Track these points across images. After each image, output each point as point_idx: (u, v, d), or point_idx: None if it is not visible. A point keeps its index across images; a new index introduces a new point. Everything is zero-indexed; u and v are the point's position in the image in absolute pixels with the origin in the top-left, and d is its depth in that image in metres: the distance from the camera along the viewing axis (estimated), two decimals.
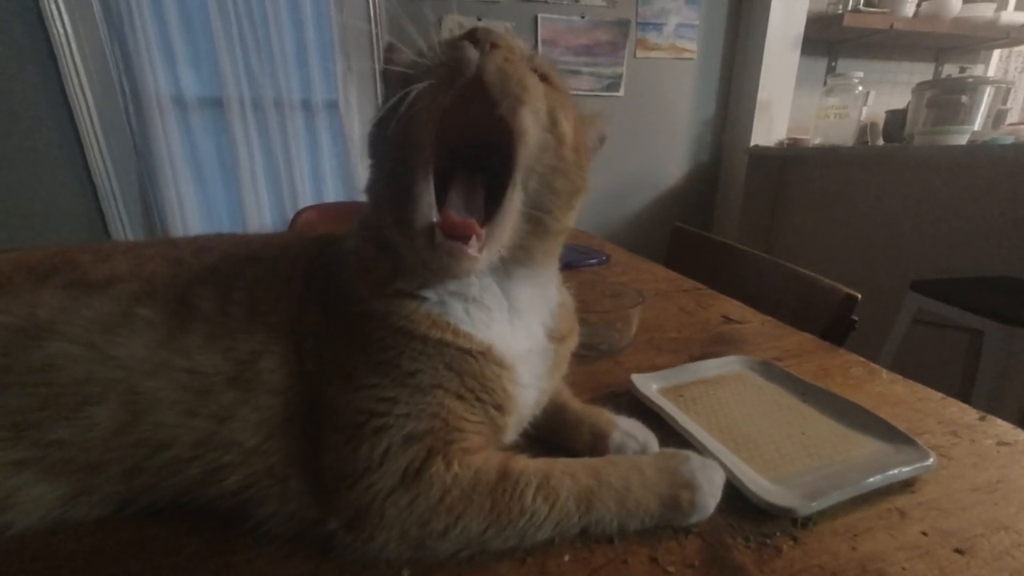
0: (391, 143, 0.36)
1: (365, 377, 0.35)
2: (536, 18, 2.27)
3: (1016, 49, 2.96)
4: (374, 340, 0.36)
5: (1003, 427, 0.49)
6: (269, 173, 2.14)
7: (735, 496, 0.38)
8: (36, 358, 0.34)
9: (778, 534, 0.35)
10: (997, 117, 2.10)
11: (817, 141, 2.45)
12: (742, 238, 2.62)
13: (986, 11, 2.51)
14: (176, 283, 0.39)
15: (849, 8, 2.41)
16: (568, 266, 0.42)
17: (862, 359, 0.64)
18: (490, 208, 0.36)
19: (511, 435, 0.42)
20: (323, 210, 1.93)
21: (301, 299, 0.39)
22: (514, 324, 0.41)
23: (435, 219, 0.33)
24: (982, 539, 0.35)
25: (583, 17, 2.33)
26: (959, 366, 1.64)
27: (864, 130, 2.48)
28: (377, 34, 2.11)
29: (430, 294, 0.38)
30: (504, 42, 0.34)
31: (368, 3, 2.07)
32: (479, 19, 2.20)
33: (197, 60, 1.98)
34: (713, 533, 0.36)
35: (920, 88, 2.08)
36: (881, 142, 2.45)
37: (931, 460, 0.41)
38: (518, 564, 0.33)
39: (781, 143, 2.52)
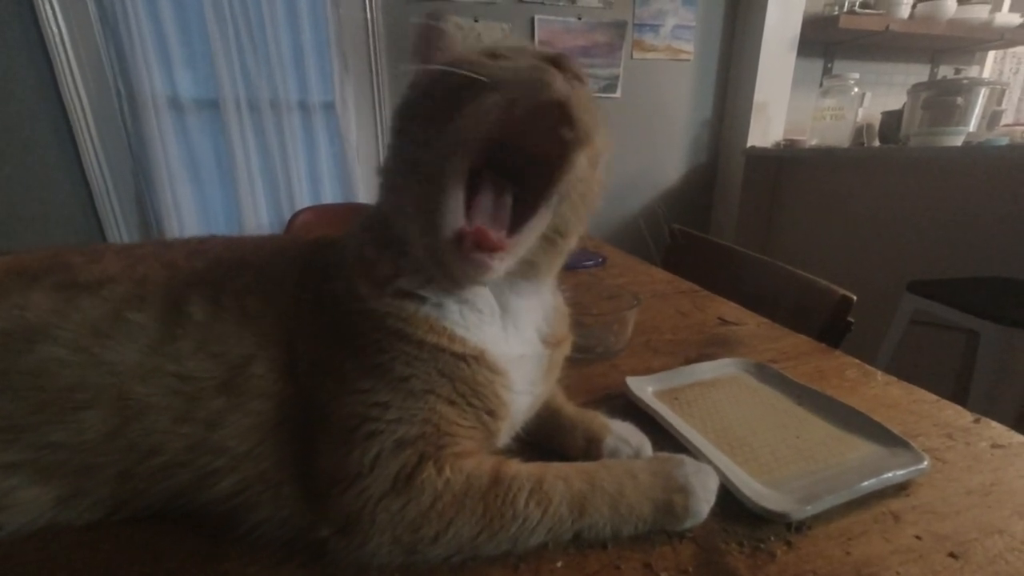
0: (433, 139, 0.35)
1: (358, 381, 0.35)
2: (533, 19, 2.27)
3: (1011, 50, 2.98)
4: (369, 343, 0.36)
5: (997, 429, 0.49)
6: (266, 175, 2.14)
7: (729, 500, 0.38)
8: (28, 362, 0.34)
9: (772, 539, 0.35)
10: (992, 118, 2.11)
11: (813, 142, 2.46)
12: (739, 239, 2.62)
13: (981, 13, 2.52)
14: (168, 287, 0.39)
15: (845, 10, 2.42)
16: (564, 268, 0.42)
17: (857, 361, 0.64)
18: (513, 218, 0.36)
19: (503, 440, 0.42)
20: (320, 211, 1.93)
21: (293, 303, 0.39)
22: (508, 329, 0.41)
23: (466, 227, 0.33)
24: (976, 543, 0.35)
25: (580, 19, 2.33)
26: (955, 367, 1.65)
27: (860, 131, 2.49)
28: (374, 35, 2.11)
29: (428, 294, 0.38)
30: (584, 76, 0.34)
31: (365, 3, 2.06)
32: (476, 20, 2.20)
33: (193, 61, 1.98)
34: (707, 538, 0.36)
35: (916, 89, 2.09)
36: (877, 143, 2.46)
37: (925, 463, 0.41)
38: (511, 570, 0.33)
39: (778, 144, 2.53)
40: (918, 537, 0.35)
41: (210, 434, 0.34)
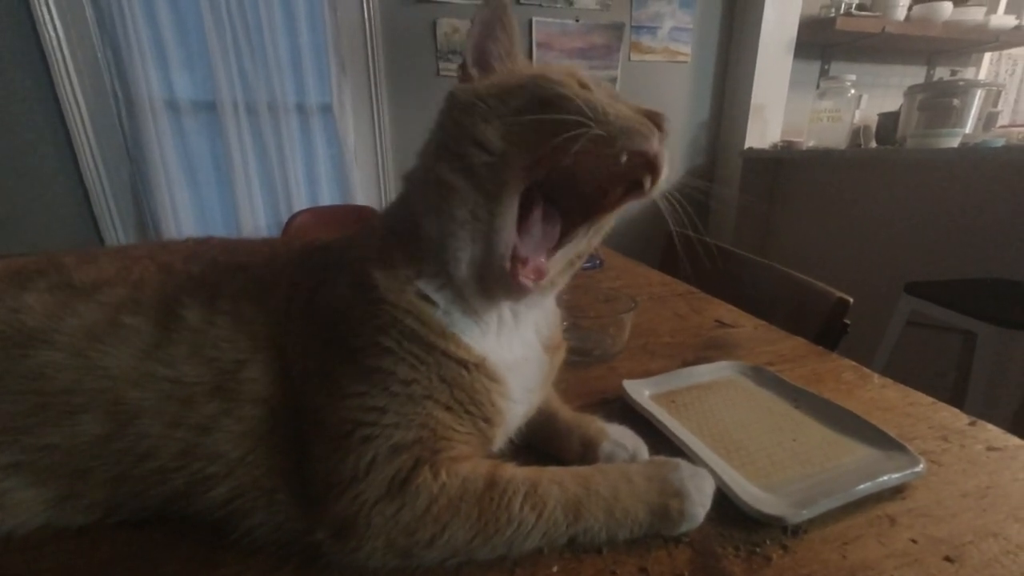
0: (501, 147, 0.36)
1: (352, 385, 0.35)
2: (531, 21, 2.27)
3: (1006, 52, 2.99)
4: (368, 345, 0.36)
5: (993, 432, 0.49)
6: (263, 177, 2.14)
7: (725, 504, 0.38)
8: (26, 366, 0.34)
9: (768, 543, 0.35)
10: (988, 120, 2.12)
11: (811, 144, 2.46)
12: (736, 241, 2.62)
13: (976, 15, 2.54)
14: (163, 291, 0.39)
15: (841, 12, 2.43)
16: None
17: (854, 363, 0.64)
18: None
19: (498, 445, 0.42)
20: (317, 213, 1.93)
21: (286, 307, 0.38)
22: (511, 336, 0.42)
23: (521, 250, 0.36)
24: (971, 546, 0.35)
25: (577, 21, 2.33)
26: (952, 368, 1.65)
27: (857, 133, 2.50)
28: (372, 37, 2.11)
29: (440, 300, 0.38)
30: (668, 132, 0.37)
31: (363, 5, 2.06)
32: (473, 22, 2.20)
33: (190, 64, 1.98)
34: (703, 542, 0.36)
35: (912, 91, 2.10)
36: (874, 145, 2.47)
37: (921, 466, 0.41)
38: (507, 574, 0.33)
39: (775, 146, 2.53)
40: (914, 540, 0.35)
41: (203, 439, 0.34)
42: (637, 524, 0.35)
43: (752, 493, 0.39)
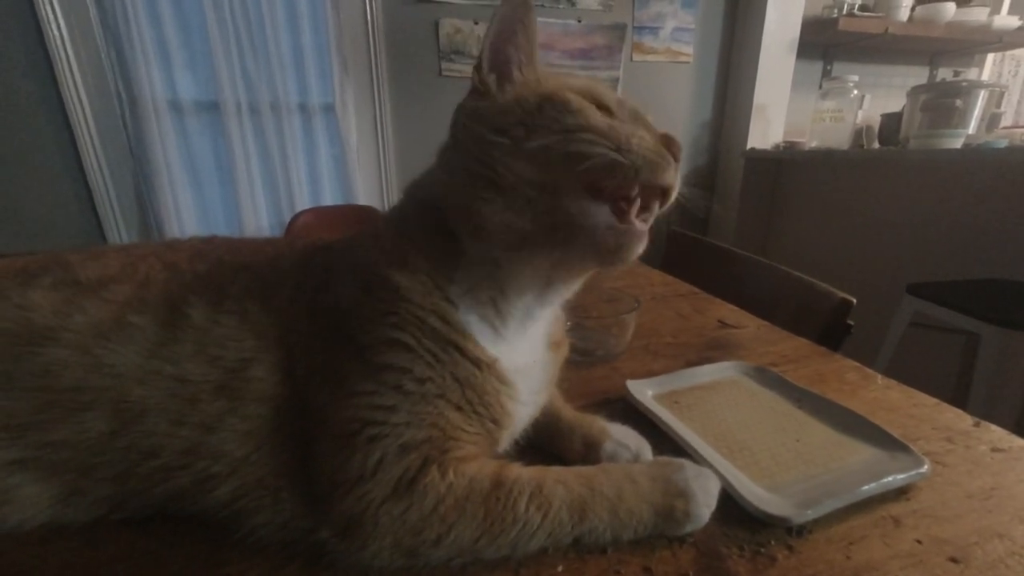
0: (536, 184, 0.35)
1: (359, 384, 0.35)
2: None
3: (1009, 53, 2.98)
4: (384, 341, 0.36)
5: (997, 433, 0.49)
6: (266, 177, 2.14)
7: (730, 504, 0.38)
8: (34, 364, 0.34)
9: (773, 543, 0.35)
10: (991, 121, 2.11)
11: (813, 144, 2.46)
12: (738, 241, 2.62)
13: (980, 15, 2.53)
14: (169, 289, 0.39)
15: (844, 12, 2.43)
16: None
17: (857, 364, 0.64)
18: None
19: (503, 446, 0.42)
20: (320, 213, 1.93)
21: (292, 307, 0.39)
22: (521, 340, 0.42)
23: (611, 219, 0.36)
24: (976, 547, 0.35)
25: (579, 21, 2.33)
26: (955, 369, 1.65)
27: (859, 133, 2.49)
28: (374, 37, 2.11)
29: (461, 303, 0.38)
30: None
31: (365, 5, 2.07)
32: (476, 23, 2.20)
33: (193, 64, 1.98)
34: (707, 542, 0.36)
35: (915, 92, 2.10)
36: (876, 145, 2.46)
37: (925, 467, 0.41)
38: (511, 574, 0.33)
39: (777, 146, 2.53)
40: (918, 541, 0.35)
41: (207, 437, 0.35)
42: (642, 524, 0.35)
43: (756, 493, 0.39)
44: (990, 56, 3.00)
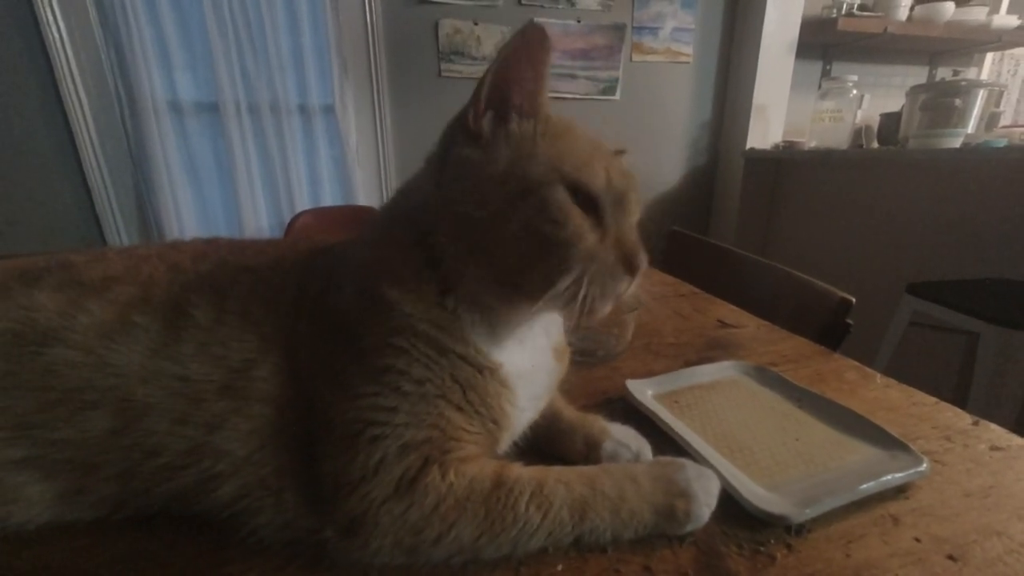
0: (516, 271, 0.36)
1: (361, 385, 0.35)
2: (532, 22, 2.27)
3: (1009, 52, 2.98)
4: (379, 346, 0.36)
5: (996, 432, 0.49)
6: (266, 178, 2.14)
7: (729, 503, 0.38)
8: (40, 363, 0.34)
9: (772, 542, 0.36)
10: (990, 120, 2.11)
11: (812, 144, 2.46)
12: (739, 241, 2.62)
13: (979, 15, 2.53)
14: (173, 289, 0.39)
15: (843, 12, 2.43)
16: None
17: (857, 363, 0.64)
18: None
19: (503, 447, 0.42)
20: (320, 214, 1.93)
21: (294, 309, 0.39)
22: (524, 346, 0.42)
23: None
24: (975, 545, 0.35)
25: (579, 21, 2.34)
26: (955, 368, 1.65)
27: (859, 133, 2.49)
28: (374, 38, 2.11)
29: (462, 311, 0.38)
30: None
31: (365, 6, 2.07)
32: (475, 23, 2.20)
33: (193, 65, 1.98)
34: (707, 541, 0.36)
35: (914, 91, 2.10)
36: (876, 145, 2.46)
37: (924, 466, 0.41)
38: (512, 573, 0.33)
39: (777, 146, 2.53)
40: (917, 539, 0.36)
41: (210, 437, 0.35)
42: (642, 524, 0.35)
43: (756, 492, 0.39)
44: (989, 55, 3.00)
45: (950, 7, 2.46)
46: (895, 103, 2.37)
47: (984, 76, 3.03)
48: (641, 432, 0.46)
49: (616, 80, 2.46)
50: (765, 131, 2.55)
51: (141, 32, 1.86)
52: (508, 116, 0.37)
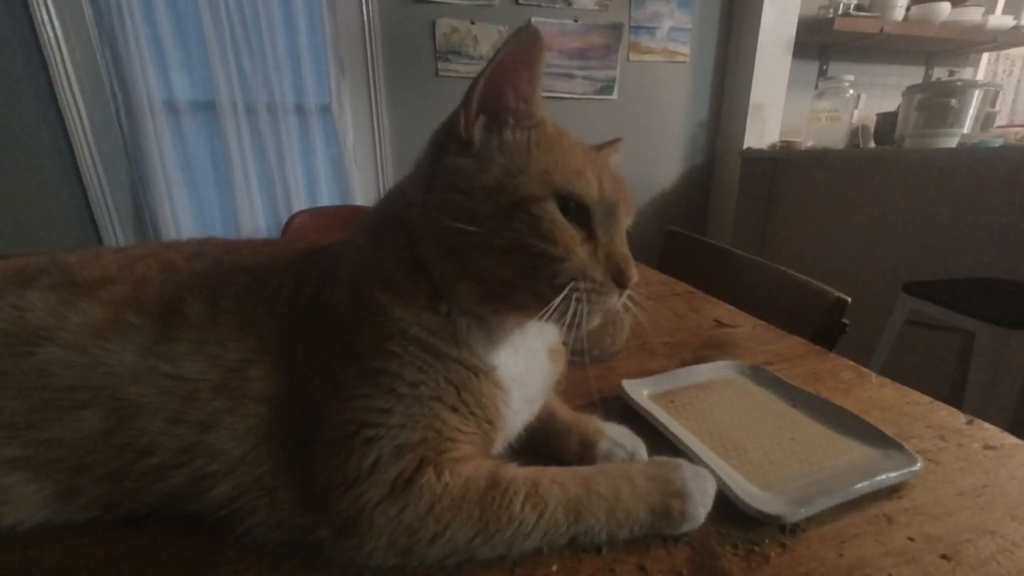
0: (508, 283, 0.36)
1: (357, 387, 0.35)
2: (529, 22, 2.25)
3: (1004, 52, 2.99)
4: (374, 348, 0.36)
5: (990, 431, 0.49)
6: (262, 177, 2.14)
7: (724, 503, 0.38)
8: (32, 363, 0.34)
9: (767, 541, 0.36)
10: (986, 120, 2.12)
11: (809, 144, 2.47)
12: (735, 240, 2.63)
13: (974, 15, 2.54)
14: (166, 288, 0.39)
15: (840, 12, 2.43)
16: None
17: (852, 363, 0.64)
18: None
19: (497, 449, 0.42)
20: (317, 214, 1.93)
21: (290, 311, 0.39)
22: (519, 349, 0.42)
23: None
24: (968, 544, 0.35)
25: (576, 21, 2.33)
26: (951, 367, 1.66)
27: (855, 133, 2.50)
28: (371, 38, 2.11)
29: (456, 315, 0.38)
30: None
31: (361, 6, 2.06)
32: (472, 22, 2.20)
33: (189, 64, 1.98)
34: (702, 541, 0.36)
35: (910, 91, 2.10)
36: (872, 145, 2.47)
37: (918, 465, 0.41)
38: (507, 573, 0.33)
39: (774, 146, 2.54)
40: (911, 539, 0.36)
41: (204, 436, 0.35)
42: (638, 524, 0.35)
43: (750, 492, 0.39)
44: (985, 55, 3.01)
45: (946, 7, 2.47)
46: (891, 103, 2.38)
47: (980, 76, 3.04)
48: (637, 432, 0.46)
49: (613, 80, 2.46)
50: (762, 131, 2.56)
51: (137, 31, 1.85)
52: (503, 122, 0.36)
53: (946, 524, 0.37)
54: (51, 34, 1.77)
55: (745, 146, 2.54)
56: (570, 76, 2.40)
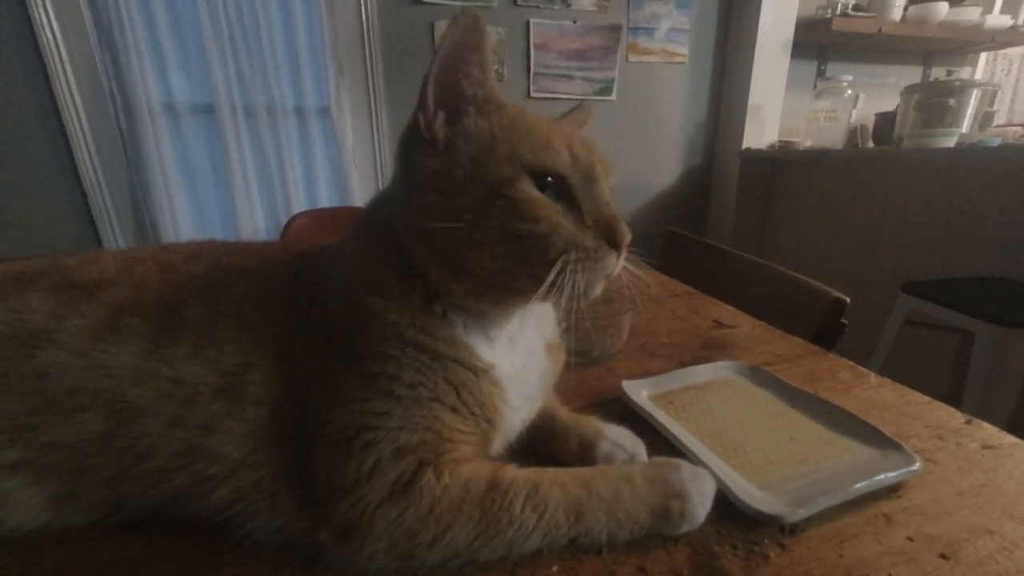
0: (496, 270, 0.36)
1: (355, 391, 0.35)
2: (528, 23, 2.27)
3: (1002, 52, 3.00)
4: (371, 352, 0.36)
5: (988, 430, 0.49)
6: (262, 179, 2.14)
7: (724, 503, 0.38)
8: (32, 366, 0.34)
9: (766, 541, 0.36)
10: (984, 119, 2.13)
11: (808, 144, 2.47)
12: (735, 241, 2.63)
13: (972, 15, 2.55)
14: (165, 290, 0.39)
15: (837, 12, 2.44)
16: None
17: (851, 363, 0.64)
18: None
19: (496, 449, 0.42)
20: (316, 216, 1.92)
21: (287, 315, 0.39)
22: (515, 347, 0.42)
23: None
24: (966, 544, 0.35)
25: (575, 22, 2.34)
26: (950, 367, 1.66)
27: (854, 133, 2.50)
28: (370, 39, 2.11)
29: (452, 315, 0.38)
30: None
31: (360, 8, 2.07)
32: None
33: (188, 67, 1.98)
34: (701, 541, 0.36)
35: (908, 91, 2.11)
36: (871, 145, 2.48)
37: (917, 465, 0.41)
38: (507, 575, 0.33)
39: (772, 146, 2.54)
40: (909, 538, 0.36)
41: (204, 440, 0.35)
42: (638, 525, 0.35)
43: (750, 492, 0.39)
44: (983, 55, 3.02)
45: (944, 7, 2.48)
46: (890, 103, 2.38)
47: (978, 76, 3.05)
48: (636, 433, 0.46)
49: (612, 81, 2.46)
50: (761, 131, 2.56)
51: (136, 34, 1.85)
52: (463, 112, 0.36)
53: (945, 524, 0.37)
54: (50, 37, 1.77)
55: (744, 146, 2.54)
56: (569, 77, 2.40)
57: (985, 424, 0.50)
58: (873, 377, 0.61)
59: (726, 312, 0.86)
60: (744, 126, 2.53)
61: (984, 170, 1.71)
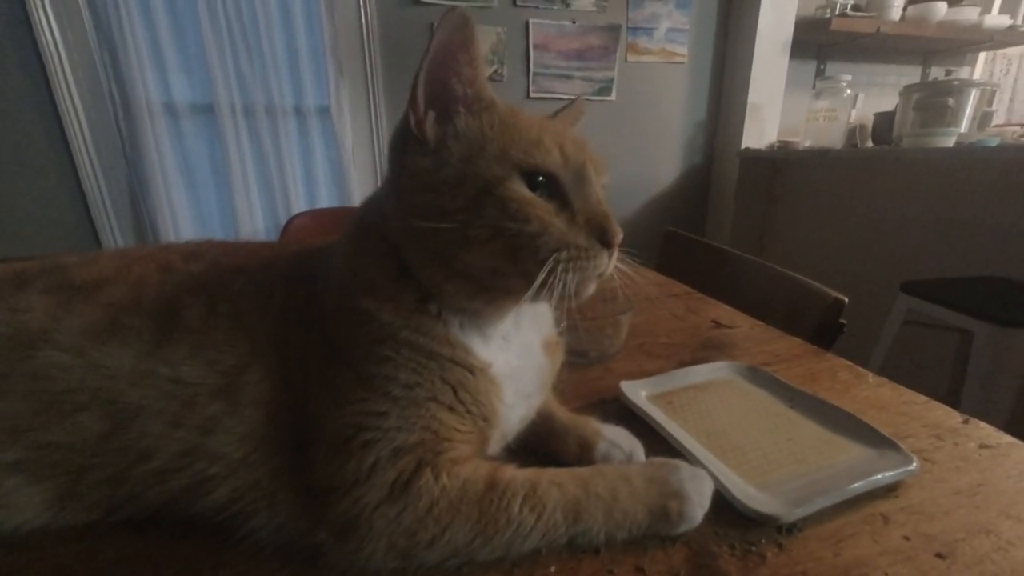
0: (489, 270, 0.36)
1: (353, 391, 0.36)
2: (527, 23, 2.27)
3: (1001, 52, 3.00)
4: (367, 353, 0.36)
5: (986, 430, 0.49)
6: (261, 179, 2.14)
7: (721, 503, 0.39)
8: (30, 366, 0.35)
9: (763, 541, 0.36)
10: (983, 119, 2.13)
11: (807, 144, 2.47)
12: (734, 241, 2.63)
13: (971, 15, 2.55)
14: (164, 290, 0.39)
15: (836, 12, 2.44)
16: None
17: (849, 363, 0.64)
18: None
19: (494, 448, 0.42)
20: (316, 215, 1.92)
21: (285, 315, 0.39)
22: (511, 345, 0.42)
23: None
24: (963, 543, 0.35)
25: (574, 22, 2.34)
26: (949, 366, 1.66)
27: (853, 132, 2.51)
28: (369, 39, 2.11)
29: (447, 315, 0.38)
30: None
31: (360, 8, 2.07)
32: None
33: (188, 66, 1.98)
34: (699, 541, 0.36)
35: (907, 91, 2.11)
36: (870, 144, 2.48)
37: (914, 465, 0.41)
38: (505, 575, 0.33)
39: (772, 146, 2.54)
40: (906, 538, 0.36)
41: (204, 440, 0.35)
42: (636, 525, 0.36)
43: (747, 492, 0.39)
44: (982, 55, 3.02)
45: (942, 7, 2.48)
46: (889, 102, 2.38)
47: (977, 75, 3.05)
48: (635, 433, 0.46)
49: (611, 80, 2.46)
50: (760, 131, 2.56)
51: (135, 34, 1.85)
52: (454, 111, 0.36)
53: (942, 523, 0.37)
54: (49, 37, 1.77)
55: (743, 146, 2.54)
56: (568, 77, 2.40)
57: (982, 424, 0.50)
58: (871, 377, 0.61)
59: (725, 312, 0.86)
60: (743, 126, 2.53)
61: (983, 170, 1.71)
